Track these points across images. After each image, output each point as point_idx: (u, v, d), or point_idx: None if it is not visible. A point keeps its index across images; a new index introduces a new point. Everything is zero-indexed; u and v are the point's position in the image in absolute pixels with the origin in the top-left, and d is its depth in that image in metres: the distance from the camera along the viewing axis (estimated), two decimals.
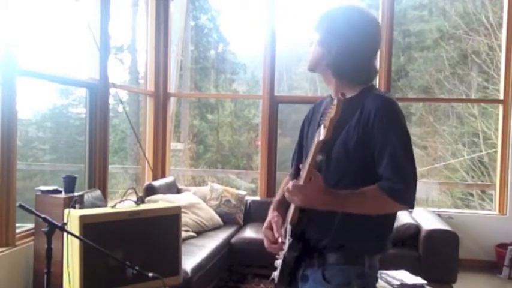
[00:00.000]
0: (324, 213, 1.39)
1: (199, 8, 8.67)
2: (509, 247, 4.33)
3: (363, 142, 1.39)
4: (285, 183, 1.77)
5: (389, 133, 1.38)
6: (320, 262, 1.47)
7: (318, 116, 1.60)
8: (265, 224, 1.60)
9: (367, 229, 1.43)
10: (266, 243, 1.57)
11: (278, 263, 1.61)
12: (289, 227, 1.47)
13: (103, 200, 3.41)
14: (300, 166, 1.40)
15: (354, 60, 1.47)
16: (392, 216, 1.52)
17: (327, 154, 1.44)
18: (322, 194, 1.33)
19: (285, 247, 1.49)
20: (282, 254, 1.56)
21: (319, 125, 1.49)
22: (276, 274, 1.61)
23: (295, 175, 1.74)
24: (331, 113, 1.19)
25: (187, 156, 8.02)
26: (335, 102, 1.20)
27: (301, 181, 1.34)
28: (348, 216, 1.39)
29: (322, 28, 1.51)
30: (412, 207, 1.39)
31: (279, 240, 1.53)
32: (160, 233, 2.76)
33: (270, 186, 4.92)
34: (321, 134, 1.23)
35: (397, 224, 2.63)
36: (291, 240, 1.45)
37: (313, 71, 1.57)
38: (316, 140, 1.28)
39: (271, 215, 1.60)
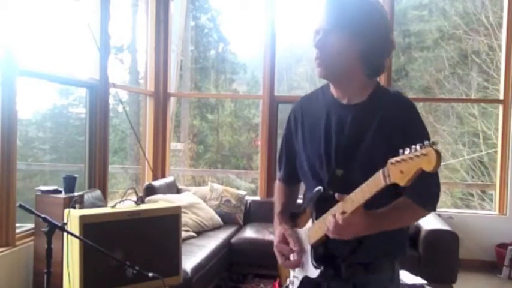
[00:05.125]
0: None
1: (199, 8, 8.67)
2: (509, 247, 4.33)
3: (391, 151, 1.15)
4: (278, 191, 1.66)
5: (419, 140, 1.28)
6: (349, 274, 1.37)
7: (313, 116, 1.47)
8: (278, 238, 1.47)
9: (395, 238, 1.40)
10: (281, 260, 1.45)
11: (291, 280, 1.48)
12: (309, 248, 1.38)
13: (103, 200, 3.41)
14: (337, 196, 1.21)
15: (385, 52, 1.37)
16: None
17: (347, 166, 1.33)
18: (367, 218, 1.22)
19: (309, 270, 1.37)
20: (299, 274, 1.45)
21: (327, 130, 1.38)
22: None
23: (288, 179, 1.62)
24: (419, 161, 0.95)
25: (187, 156, 8.02)
26: (427, 150, 0.94)
27: (339, 212, 1.20)
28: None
29: (346, 16, 1.32)
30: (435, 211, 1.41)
31: (294, 256, 1.41)
32: (160, 233, 2.76)
33: (270, 186, 4.91)
34: (391, 176, 1.03)
35: None
36: (322, 268, 1.33)
37: (331, 71, 1.36)
38: (382, 181, 1.06)
39: (281, 228, 1.46)
